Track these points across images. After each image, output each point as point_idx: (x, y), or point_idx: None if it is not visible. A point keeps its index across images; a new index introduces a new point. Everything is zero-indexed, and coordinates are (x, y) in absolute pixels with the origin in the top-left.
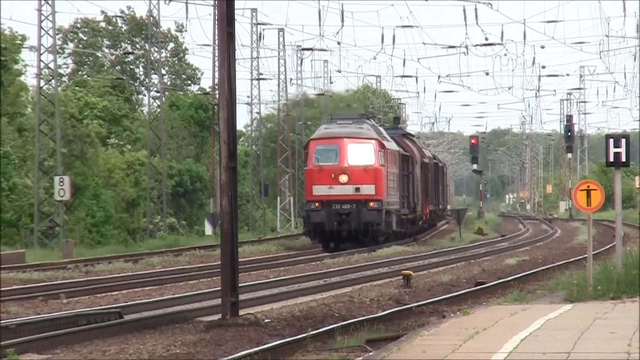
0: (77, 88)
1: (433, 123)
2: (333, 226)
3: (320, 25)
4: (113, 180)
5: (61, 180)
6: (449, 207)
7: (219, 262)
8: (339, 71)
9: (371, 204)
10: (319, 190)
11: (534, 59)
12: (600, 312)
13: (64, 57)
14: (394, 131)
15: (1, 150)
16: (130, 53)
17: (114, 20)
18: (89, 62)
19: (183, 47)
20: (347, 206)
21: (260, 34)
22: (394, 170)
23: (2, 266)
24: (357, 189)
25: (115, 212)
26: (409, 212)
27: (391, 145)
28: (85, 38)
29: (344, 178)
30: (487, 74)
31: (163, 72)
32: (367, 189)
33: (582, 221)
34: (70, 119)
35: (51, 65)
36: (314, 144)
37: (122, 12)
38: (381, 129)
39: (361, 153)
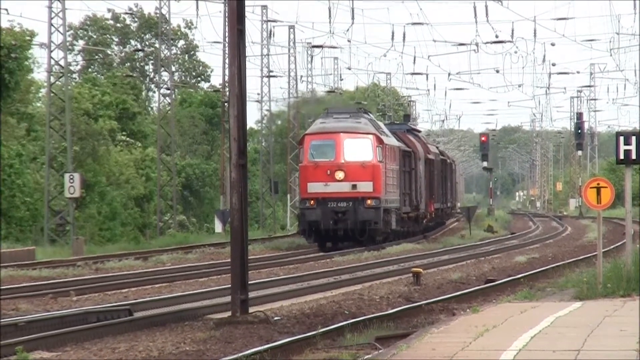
0: (90, 85)
1: (443, 120)
2: (329, 225)
3: (330, 22)
4: (124, 177)
5: (71, 177)
6: (458, 204)
7: (229, 260)
8: (349, 68)
9: (368, 201)
10: (314, 187)
11: (544, 56)
12: (610, 310)
13: (74, 55)
14: (397, 126)
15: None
16: (140, 50)
17: (122, 18)
18: (98, 60)
19: (193, 44)
20: (344, 204)
21: (270, 31)
22: (393, 166)
23: (13, 263)
24: (354, 186)
25: (125, 210)
26: (410, 210)
27: (390, 140)
28: (94, 36)
29: (340, 175)
30: (497, 71)
31: (173, 69)
32: (365, 186)
33: (592, 219)
34: (83, 115)
35: (62, 62)
36: (309, 139)
37: (131, 9)
38: (380, 123)
39: (358, 148)
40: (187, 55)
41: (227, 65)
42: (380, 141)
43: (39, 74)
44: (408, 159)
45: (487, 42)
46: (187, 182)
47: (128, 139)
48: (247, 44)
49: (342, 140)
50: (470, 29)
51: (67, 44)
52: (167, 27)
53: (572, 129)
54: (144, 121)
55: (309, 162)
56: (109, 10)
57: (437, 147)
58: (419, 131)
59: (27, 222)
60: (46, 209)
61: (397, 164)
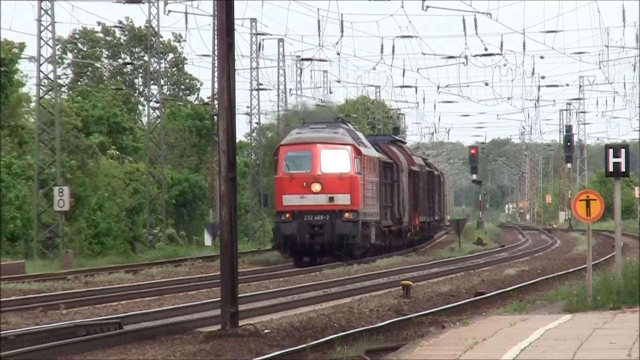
0: (80, 98)
1: (432, 133)
2: (305, 239)
3: (319, 35)
4: (110, 188)
5: (61, 190)
6: (448, 217)
7: (219, 273)
8: (339, 81)
9: (346, 214)
10: (290, 200)
11: (533, 69)
12: (600, 323)
13: (63, 68)
14: (380, 137)
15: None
16: (129, 64)
17: (112, 31)
18: (88, 73)
19: (182, 57)
20: (320, 217)
21: (259, 44)
22: (373, 178)
23: (3, 277)
24: (331, 199)
25: (115, 222)
26: (392, 224)
27: (370, 151)
28: (84, 49)
29: (316, 187)
30: (486, 84)
31: (162, 82)
32: (342, 199)
33: (581, 231)
34: (72, 129)
35: (51, 75)
36: (285, 150)
37: (120, 22)
38: (359, 134)
39: (335, 160)
40: (176, 68)
41: (216, 79)
42: (358, 152)
43: (27, 88)
44: (390, 171)
45: (476, 55)
46: (182, 195)
47: (117, 152)
48: (236, 57)
49: (319, 151)
50: (459, 42)
51: (57, 57)
52: (157, 41)
53: (562, 142)
54: (139, 135)
55: (284, 173)
56: (98, 23)
57: (425, 159)
58: (404, 142)
59: (22, 233)
60: (36, 223)
61: (377, 175)
